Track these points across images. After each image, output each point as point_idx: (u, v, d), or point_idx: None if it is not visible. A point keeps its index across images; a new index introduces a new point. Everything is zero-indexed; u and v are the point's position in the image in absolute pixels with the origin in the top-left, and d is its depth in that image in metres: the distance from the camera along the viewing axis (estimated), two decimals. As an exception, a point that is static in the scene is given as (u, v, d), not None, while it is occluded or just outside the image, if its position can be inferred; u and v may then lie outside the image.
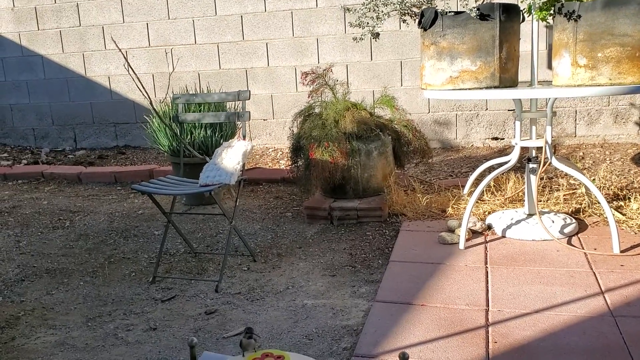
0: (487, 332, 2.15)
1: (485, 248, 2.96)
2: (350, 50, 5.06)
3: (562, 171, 3.33)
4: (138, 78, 3.27)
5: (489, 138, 4.93)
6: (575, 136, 4.82)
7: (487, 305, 2.36)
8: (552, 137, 3.19)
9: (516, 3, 2.97)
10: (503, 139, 4.89)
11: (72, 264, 3.20)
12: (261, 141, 5.43)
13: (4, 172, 5.10)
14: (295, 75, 5.22)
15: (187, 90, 4.17)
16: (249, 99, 2.95)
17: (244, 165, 2.85)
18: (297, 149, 3.63)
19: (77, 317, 2.59)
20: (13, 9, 5.80)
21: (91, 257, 3.28)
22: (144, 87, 3.06)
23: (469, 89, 2.86)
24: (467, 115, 4.93)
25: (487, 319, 2.25)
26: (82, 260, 3.25)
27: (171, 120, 3.17)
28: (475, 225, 3.14)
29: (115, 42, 4.17)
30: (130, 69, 3.65)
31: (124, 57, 3.89)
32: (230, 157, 2.81)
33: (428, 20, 2.96)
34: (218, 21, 5.33)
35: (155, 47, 5.50)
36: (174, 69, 5.44)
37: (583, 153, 4.57)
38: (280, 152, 5.24)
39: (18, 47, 5.87)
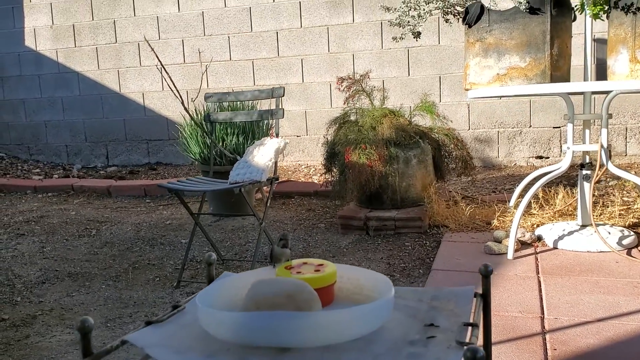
0: (544, 339, 1.92)
1: (536, 258, 2.72)
2: (387, 65, 4.93)
3: (614, 187, 3.08)
4: (170, 77, 3.18)
5: (533, 157, 4.70)
6: (626, 155, 4.55)
7: (542, 313, 2.12)
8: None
9: (568, -2, 2.79)
10: (548, 157, 4.65)
11: (96, 268, 3.06)
12: (294, 158, 5.29)
13: (34, 185, 5.05)
14: (330, 90, 5.11)
15: (222, 107, 4.07)
16: (283, 95, 2.81)
17: (276, 163, 2.69)
18: (332, 155, 3.46)
19: (96, 317, 2.43)
20: (52, 26, 5.86)
21: (115, 263, 3.14)
22: (175, 87, 2.96)
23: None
24: (510, 133, 4.72)
25: (543, 326, 2.01)
26: (105, 265, 3.11)
27: (203, 120, 3.05)
28: (524, 236, 2.91)
29: (151, 46, 4.12)
30: (162, 68, 3.58)
31: (157, 57, 3.81)
32: (262, 154, 2.66)
33: (473, 15, 2.81)
34: (253, 37, 5.28)
35: (190, 64, 5.46)
36: (207, 85, 5.38)
37: (635, 172, 4.29)
38: (313, 169, 5.09)
39: (55, 64, 5.90)
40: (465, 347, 0.80)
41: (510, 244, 2.74)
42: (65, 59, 5.87)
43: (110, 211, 4.32)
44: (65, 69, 5.89)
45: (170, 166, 5.66)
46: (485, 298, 1.02)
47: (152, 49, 3.51)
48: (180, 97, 3.08)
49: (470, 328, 0.92)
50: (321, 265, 1.05)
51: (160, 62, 3.34)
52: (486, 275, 1.03)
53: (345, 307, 0.90)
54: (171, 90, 3.32)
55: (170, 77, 3.38)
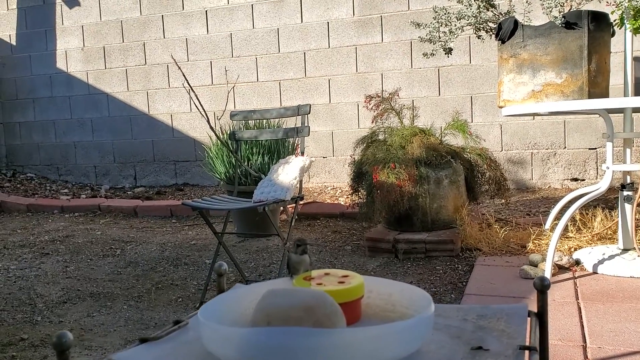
0: (589, 370, 1.78)
1: (575, 283, 2.57)
2: (417, 84, 4.85)
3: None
4: (196, 95, 3.14)
5: (567, 179, 4.54)
6: (667, 177, 4.37)
7: (584, 341, 1.98)
8: (650, 163, 2.82)
9: (606, 12, 2.69)
10: (584, 179, 4.49)
11: (118, 288, 3.01)
12: (320, 179, 5.21)
13: (61, 205, 5.06)
14: (357, 111, 5.04)
15: (247, 126, 4.04)
16: (309, 112, 2.75)
17: (301, 181, 2.62)
18: (359, 175, 3.37)
19: (115, 339, 2.36)
20: (83, 48, 5.94)
21: (138, 283, 3.08)
22: (201, 105, 2.92)
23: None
24: (544, 154, 4.58)
25: (585, 356, 1.87)
26: (128, 285, 3.05)
27: (228, 138, 3.00)
28: (562, 259, 2.77)
29: (178, 65, 4.12)
30: (189, 87, 3.55)
31: (183, 76, 3.79)
32: (287, 173, 2.58)
33: (507, 31, 2.72)
34: (281, 58, 5.26)
35: (218, 85, 5.46)
36: (235, 106, 5.36)
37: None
38: (340, 190, 5.00)
39: (85, 86, 5.97)
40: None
41: (548, 267, 2.60)
42: (95, 80, 5.93)
43: (135, 231, 4.28)
44: (95, 90, 5.94)
45: (197, 187, 5.63)
46: (541, 318, 0.87)
47: (179, 68, 3.50)
48: (206, 115, 3.04)
49: (527, 353, 0.78)
50: (346, 276, 0.90)
51: (186, 80, 3.32)
52: (542, 290, 0.88)
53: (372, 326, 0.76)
54: (197, 109, 3.28)
55: (196, 96, 3.36)
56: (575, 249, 3.01)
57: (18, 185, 5.98)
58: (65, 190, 5.82)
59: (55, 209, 5.08)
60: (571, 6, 2.73)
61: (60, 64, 6.05)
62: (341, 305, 0.79)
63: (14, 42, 6.24)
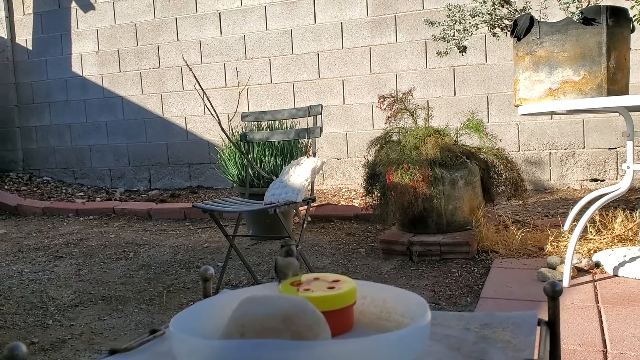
0: (610, 377, 1.71)
1: (595, 286, 2.50)
2: (432, 85, 4.79)
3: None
4: (207, 97, 3.12)
5: (587, 179, 4.44)
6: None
7: (605, 346, 1.91)
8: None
9: (626, 7, 2.61)
10: (604, 180, 4.39)
11: (130, 292, 2.99)
12: (334, 181, 5.17)
13: (76, 208, 5.07)
14: (371, 112, 4.99)
15: (260, 127, 4.01)
16: (321, 113, 2.71)
17: (313, 183, 2.57)
18: (372, 177, 3.32)
19: (125, 342, 2.33)
20: (98, 52, 5.96)
21: (150, 286, 3.06)
22: (212, 106, 2.89)
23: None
24: (562, 154, 4.49)
25: (607, 363, 1.80)
26: (140, 288, 3.03)
27: (239, 140, 2.97)
28: (581, 262, 2.69)
29: (189, 66, 4.10)
30: (200, 89, 3.53)
31: (195, 77, 3.77)
32: (298, 174, 2.54)
33: (523, 27, 2.65)
34: (294, 60, 5.23)
35: (232, 87, 5.45)
36: (248, 108, 5.34)
37: (700, 195, 4.00)
38: (354, 192, 4.95)
39: (100, 89, 5.99)
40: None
41: (566, 270, 2.53)
42: (110, 83, 5.95)
43: (149, 234, 4.27)
44: (109, 94, 5.96)
45: (211, 190, 5.62)
46: (552, 327, 0.78)
47: (190, 69, 3.47)
48: (217, 116, 3.01)
49: None
50: (336, 281, 0.81)
51: (197, 81, 3.30)
52: (554, 296, 0.79)
53: (365, 336, 0.65)
54: (209, 111, 3.26)
55: (207, 97, 3.33)
56: (595, 251, 2.93)
57: (34, 189, 6.02)
58: (81, 194, 5.84)
59: (70, 212, 5.09)
60: (589, 1, 2.66)
61: (76, 67, 6.08)
62: (330, 314, 0.72)
63: (30, 47, 6.29)
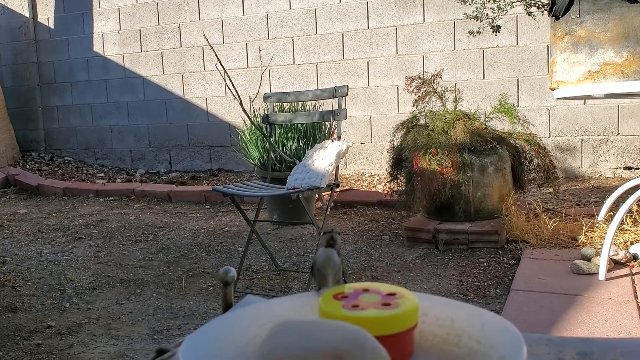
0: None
1: (633, 280, 2.37)
2: (460, 67, 4.63)
3: None
4: (229, 77, 3.02)
5: (620, 167, 4.27)
6: None
7: (649, 347, 1.79)
8: None
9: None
10: (638, 168, 4.22)
11: (149, 275, 2.93)
12: (357, 166, 5.06)
13: (97, 189, 5.04)
14: (397, 95, 4.85)
15: (282, 109, 3.90)
16: (347, 94, 2.60)
17: (337, 167, 2.47)
18: (398, 162, 3.21)
19: (143, 328, 2.28)
20: (119, 32, 5.89)
21: (169, 270, 3.00)
22: (234, 87, 2.79)
23: (615, 83, 2.35)
24: (595, 141, 4.32)
25: (651, 364, 1.68)
26: (159, 272, 2.97)
27: (261, 122, 2.87)
28: (617, 254, 2.56)
29: (211, 45, 4.00)
30: (222, 69, 3.43)
31: (216, 56, 3.67)
32: (322, 158, 2.44)
33: (562, 5, 2.50)
34: (318, 40, 5.10)
35: (254, 68, 5.34)
36: (270, 89, 5.23)
37: None
38: (378, 178, 4.84)
39: (121, 69, 5.93)
40: None
41: (602, 263, 2.41)
42: (131, 63, 5.88)
43: (169, 216, 4.22)
44: (131, 74, 5.90)
45: (232, 173, 5.55)
46: None
47: (212, 48, 3.38)
48: (239, 97, 2.92)
49: None
50: (392, 294, 0.61)
51: (219, 61, 3.21)
52: None
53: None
54: (231, 91, 3.16)
55: (229, 77, 3.24)
56: (632, 243, 2.79)
57: (55, 169, 6.00)
58: (102, 175, 5.81)
59: (91, 193, 5.06)
60: (635, -22, 2.50)
61: (97, 47, 6.02)
62: (386, 339, 0.53)
63: (52, 26, 6.24)
